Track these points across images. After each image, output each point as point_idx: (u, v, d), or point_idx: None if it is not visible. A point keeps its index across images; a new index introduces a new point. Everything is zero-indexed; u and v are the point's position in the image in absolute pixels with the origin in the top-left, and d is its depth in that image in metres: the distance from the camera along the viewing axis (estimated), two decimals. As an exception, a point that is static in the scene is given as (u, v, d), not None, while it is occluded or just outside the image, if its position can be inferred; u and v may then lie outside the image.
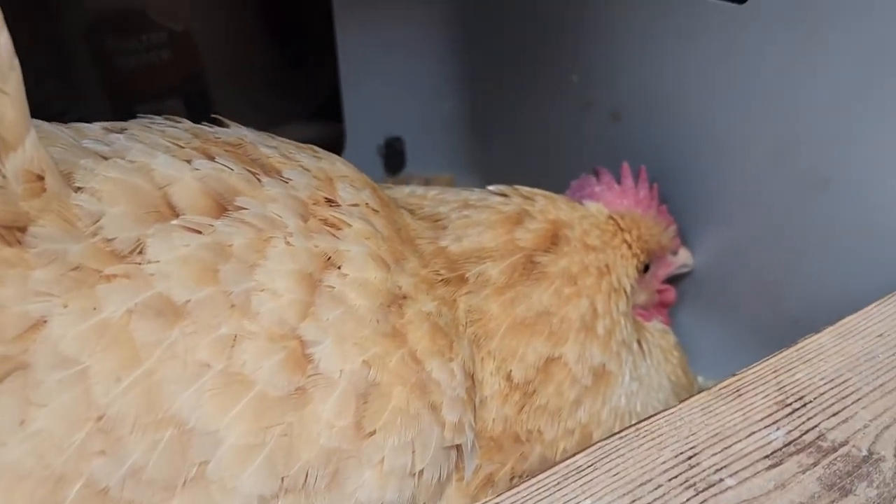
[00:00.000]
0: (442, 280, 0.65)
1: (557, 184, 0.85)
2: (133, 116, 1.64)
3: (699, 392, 0.56)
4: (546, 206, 0.74)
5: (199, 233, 0.52)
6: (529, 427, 0.66)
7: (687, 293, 0.90)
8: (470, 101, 1.15)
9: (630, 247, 0.77)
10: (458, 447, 0.59)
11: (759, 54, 0.73)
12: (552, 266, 0.69)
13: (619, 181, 0.82)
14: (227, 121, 0.69)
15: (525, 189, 0.76)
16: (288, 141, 0.70)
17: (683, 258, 0.88)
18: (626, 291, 0.75)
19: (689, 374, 0.85)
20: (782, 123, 0.74)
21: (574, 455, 0.51)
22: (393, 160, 1.26)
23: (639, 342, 0.77)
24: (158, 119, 0.66)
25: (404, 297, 0.60)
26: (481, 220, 0.70)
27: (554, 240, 0.71)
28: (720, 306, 0.88)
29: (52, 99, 1.79)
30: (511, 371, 0.65)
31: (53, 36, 1.58)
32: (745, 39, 0.74)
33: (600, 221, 0.77)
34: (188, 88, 1.54)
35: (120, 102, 1.54)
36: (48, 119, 1.74)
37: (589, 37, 0.90)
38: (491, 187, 0.76)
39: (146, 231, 0.50)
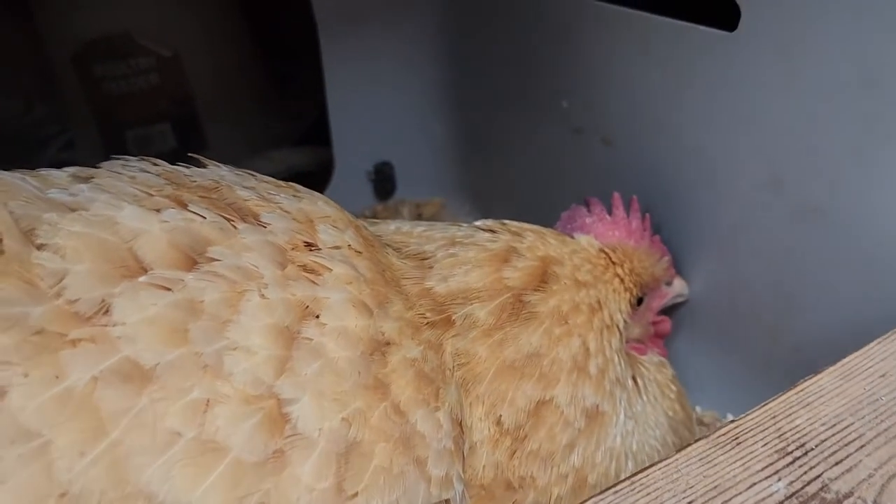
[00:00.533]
0: (428, 323, 0.63)
1: (549, 209, 0.84)
2: (122, 140, 1.63)
3: (697, 439, 0.54)
4: (535, 242, 0.71)
5: (168, 290, 0.49)
6: (521, 473, 0.63)
7: (683, 322, 0.88)
8: (460, 126, 1.13)
9: (622, 281, 0.75)
10: (447, 502, 0.57)
11: (750, 81, 0.71)
12: (542, 305, 0.67)
13: (610, 212, 0.80)
14: (204, 160, 0.66)
15: (514, 224, 0.73)
16: (268, 179, 0.68)
17: (678, 288, 0.85)
18: (619, 327, 0.73)
19: (688, 406, 0.83)
20: (774, 150, 0.72)
21: (566, 513, 0.49)
22: (383, 185, 1.24)
23: (634, 378, 0.75)
24: (133, 161, 0.64)
25: (388, 344, 0.58)
26: (468, 258, 0.68)
27: (543, 278, 0.69)
28: (717, 335, 0.86)
29: (43, 123, 1.78)
30: (501, 416, 0.63)
31: (42, 61, 1.56)
32: (735, 66, 0.72)
33: (591, 255, 0.74)
34: (177, 112, 1.52)
35: (109, 126, 1.52)
36: (38, 143, 1.72)
37: (579, 62, 0.88)
38: (479, 223, 0.74)
39: (112, 290, 0.47)
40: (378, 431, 0.53)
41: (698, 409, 0.89)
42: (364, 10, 1.08)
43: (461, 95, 1.10)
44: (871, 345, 0.60)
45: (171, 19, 1.46)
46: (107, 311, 0.46)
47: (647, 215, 0.81)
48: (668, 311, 0.87)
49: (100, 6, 1.41)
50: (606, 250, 0.76)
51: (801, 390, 0.56)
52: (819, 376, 0.57)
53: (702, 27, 0.73)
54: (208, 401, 0.47)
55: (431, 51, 1.10)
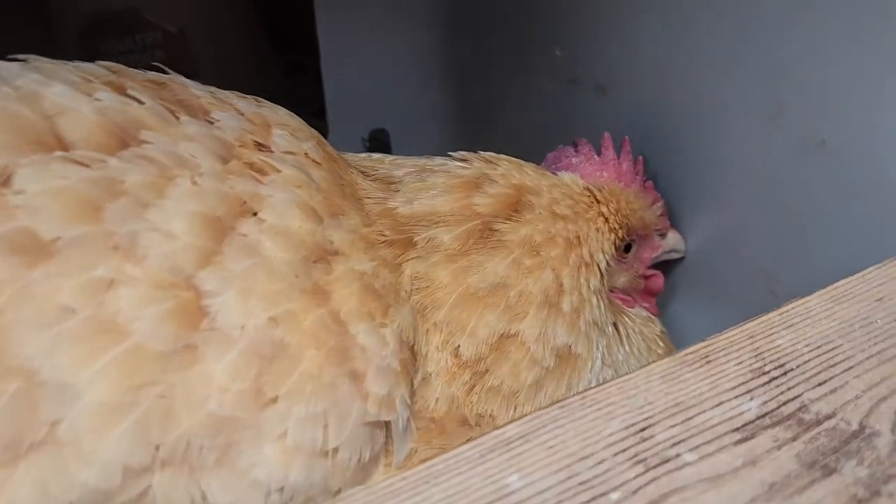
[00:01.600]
0: (386, 241, 0.58)
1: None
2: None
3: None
4: (510, 170, 0.66)
5: (87, 166, 0.45)
6: (480, 410, 0.58)
7: (679, 280, 0.82)
8: (456, 89, 1.09)
9: (607, 220, 0.70)
10: (387, 425, 0.52)
11: (748, 12, 0.66)
12: (512, 234, 0.62)
13: (599, 152, 0.75)
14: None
15: (489, 154, 0.69)
16: (235, 93, 0.64)
17: (673, 242, 0.79)
18: (599, 267, 0.67)
19: (680, 367, 0.77)
20: (774, 84, 0.66)
21: (504, 426, 0.43)
22: (378, 152, 1.19)
23: (615, 326, 0.69)
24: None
25: (335, 254, 0.53)
26: (437, 183, 0.64)
27: (517, 206, 0.64)
28: (714, 294, 0.80)
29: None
30: (459, 346, 0.58)
31: (49, 37, 1.56)
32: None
33: (573, 191, 0.69)
34: (182, 90, 1.50)
35: (114, 105, 1.51)
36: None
37: (570, 8, 0.83)
38: (453, 153, 0.69)
39: (18, 160, 0.44)
40: (310, 336, 0.48)
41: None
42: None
43: (456, 58, 1.06)
44: (870, 269, 0.54)
45: (179, -5, 1.45)
46: (7, 181, 0.43)
47: (641, 158, 0.76)
48: (664, 269, 0.81)
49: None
50: (591, 188, 0.71)
51: (786, 311, 0.50)
52: (807, 298, 0.51)
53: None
54: (112, 280, 0.43)
55: (425, 13, 1.07)
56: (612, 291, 0.74)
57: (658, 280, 0.79)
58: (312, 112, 1.24)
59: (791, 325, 0.49)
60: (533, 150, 0.97)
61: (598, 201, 0.70)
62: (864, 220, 0.63)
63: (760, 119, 0.68)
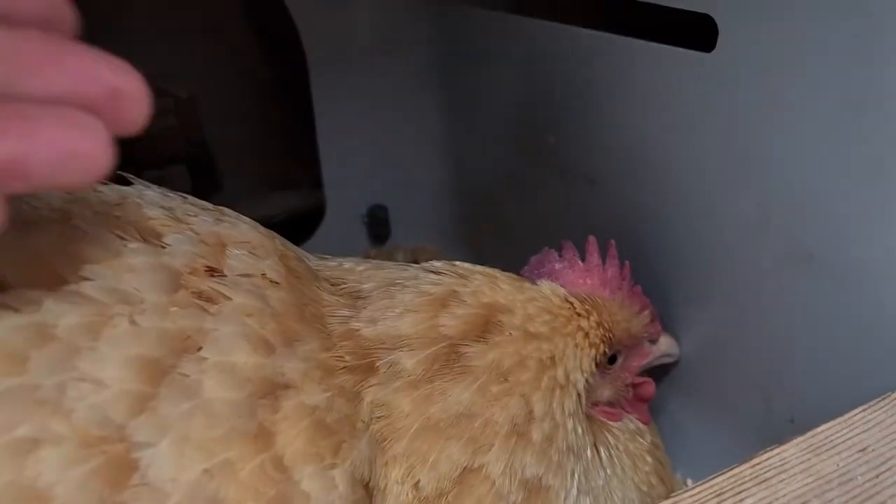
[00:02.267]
0: (345, 367, 0.56)
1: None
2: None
3: None
4: (481, 286, 0.64)
5: (17, 311, 0.44)
6: None
7: (672, 385, 0.78)
8: (455, 169, 1.08)
9: (587, 335, 0.66)
10: None
11: (731, 110, 0.63)
12: (479, 359, 0.59)
13: (583, 258, 0.72)
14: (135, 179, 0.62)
15: (465, 266, 0.66)
16: (199, 202, 0.63)
17: (665, 347, 0.75)
18: (577, 388, 0.64)
19: (671, 479, 0.73)
20: (761, 194, 0.64)
21: None
22: (377, 229, 1.18)
23: (595, 447, 0.66)
24: None
25: (286, 387, 0.51)
26: (403, 300, 0.61)
27: (486, 327, 0.61)
28: (708, 400, 0.76)
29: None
30: (420, 481, 0.55)
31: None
32: (715, 93, 0.64)
33: (552, 305, 0.66)
34: (192, 154, 1.51)
35: (127, 168, 1.51)
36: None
37: (562, 96, 0.82)
38: (429, 263, 0.67)
39: None
40: (248, 488, 0.46)
41: (689, 481, 0.79)
42: (355, 51, 1.05)
43: (455, 138, 1.05)
44: (854, 412, 0.50)
45: (189, 63, 1.46)
46: None
47: (627, 263, 0.72)
48: (657, 372, 0.78)
49: (121, 49, 1.41)
50: (572, 300, 0.68)
51: (759, 464, 0.47)
52: (783, 447, 0.48)
53: (679, 49, 0.66)
54: (36, 440, 0.41)
55: (425, 93, 1.06)
56: (595, 405, 0.71)
57: (649, 387, 0.75)
58: (313, 182, 1.24)
59: (764, 481, 0.45)
60: (527, 234, 0.95)
61: (578, 314, 0.67)
62: (856, 336, 0.60)
63: (749, 228, 0.65)
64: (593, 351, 0.66)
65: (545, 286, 0.68)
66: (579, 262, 0.71)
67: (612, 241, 0.72)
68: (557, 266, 0.71)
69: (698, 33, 0.64)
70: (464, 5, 0.96)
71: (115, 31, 1.42)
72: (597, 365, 0.67)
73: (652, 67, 0.69)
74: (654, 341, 0.75)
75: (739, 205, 0.65)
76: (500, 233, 1.02)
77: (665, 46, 0.67)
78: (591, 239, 0.72)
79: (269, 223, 1.48)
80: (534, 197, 0.90)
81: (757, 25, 0.60)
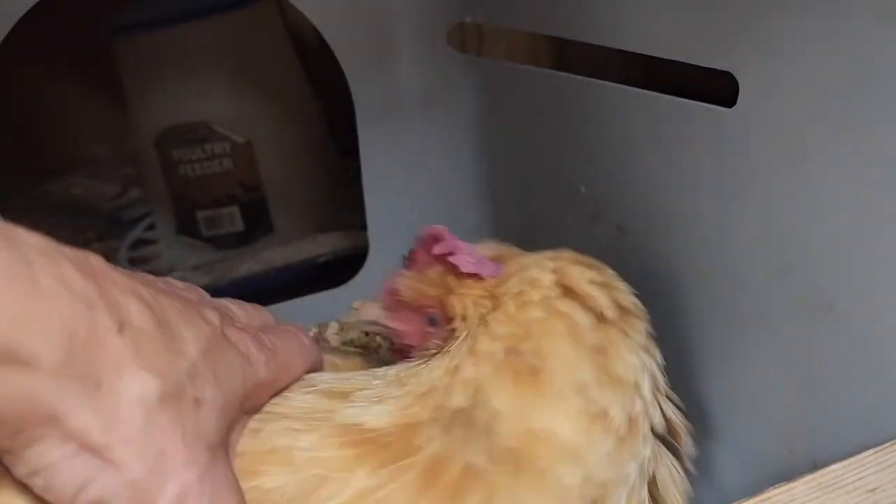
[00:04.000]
0: None
1: None
2: (194, 221, 1.69)
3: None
4: None
5: None
6: None
7: (697, 429, 0.80)
8: (490, 212, 1.12)
9: None
10: None
11: (754, 162, 0.66)
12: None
13: None
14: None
15: None
16: None
17: None
18: None
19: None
20: (781, 242, 0.66)
21: None
22: (418, 270, 1.22)
23: None
24: None
25: None
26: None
27: None
28: (732, 444, 0.77)
29: (133, 205, 1.90)
30: None
31: (133, 148, 1.68)
32: (737, 146, 0.67)
33: None
34: (245, 196, 1.58)
35: (183, 209, 1.60)
36: (128, 223, 1.80)
37: (594, 147, 0.86)
38: None
39: None
40: None
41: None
42: (401, 102, 1.10)
43: (493, 184, 1.09)
44: (866, 453, 0.52)
45: (246, 109, 1.54)
46: None
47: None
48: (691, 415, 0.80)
49: (181, 96, 1.50)
50: None
51: (767, 499, 0.49)
52: (792, 484, 0.50)
53: (700, 103, 0.69)
54: None
55: (465, 141, 1.11)
56: None
57: None
58: (358, 224, 1.29)
59: (770, 517, 0.47)
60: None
61: None
62: (876, 385, 0.61)
63: (770, 276, 0.67)
64: None
65: None
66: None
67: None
68: None
69: (720, 90, 0.67)
70: (507, 61, 1.01)
71: (180, 76, 1.52)
72: None
73: (677, 121, 0.73)
74: None
75: (760, 253, 0.68)
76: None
77: (690, 101, 0.71)
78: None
79: (315, 262, 1.53)
80: (566, 241, 0.93)
81: (777, 82, 0.63)
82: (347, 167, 1.73)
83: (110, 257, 1.81)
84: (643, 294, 0.73)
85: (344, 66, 1.08)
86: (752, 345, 0.72)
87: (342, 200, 1.67)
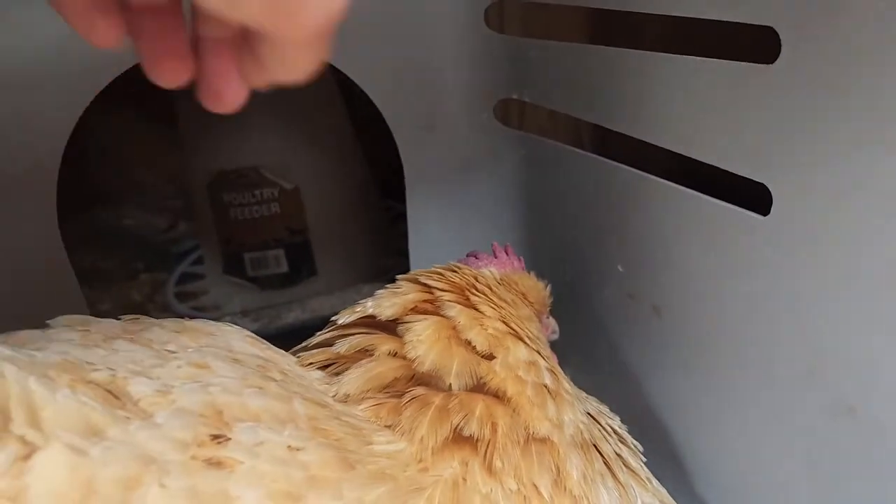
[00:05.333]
0: None
1: (602, 372, 0.82)
2: (241, 261, 1.74)
3: None
4: None
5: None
6: None
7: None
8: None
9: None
10: None
11: (782, 267, 0.70)
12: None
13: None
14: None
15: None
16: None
17: (554, 324, 0.90)
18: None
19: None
20: (808, 344, 0.69)
21: None
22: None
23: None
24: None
25: None
26: None
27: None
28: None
29: (182, 239, 1.97)
30: None
31: (185, 185, 1.75)
32: (769, 253, 0.71)
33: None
34: (291, 240, 1.65)
35: (231, 248, 1.67)
36: (176, 256, 1.89)
37: (632, 231, 0.90)
38: None
39: None
40: None
41: None
42: (448, 165, 1.16)
43: (533, 252, 1.14)
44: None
45: (295, 156, 1.60)
46: None
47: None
48: None
49: (233, 143, 1.57)
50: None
51: None
52: None
53: (736, 208, 0.73)
54: None
55: (508, 207, 1.16)
56: None
57: None
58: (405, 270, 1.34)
59: None
60: (594, 351, 1.02)
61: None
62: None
63: (795, 377, 0.71)
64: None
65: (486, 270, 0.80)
66: (494, 258, 0.85)
67: (508, 244, 0.86)
68: (480, 263, 0.84)
69: (756, 198, 0.71)
70: (550, 138, 1.06)
71: (233, 123, 1.59)
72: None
73: (713, 221, 0.77)
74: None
75: (787, 354, 0.71)
76: (568, 346, 1.09)
77: (726, 205, 0.75)
78: (495, 244, 0.86)
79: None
80: (602, 315, 0.98)
81: (808, 195, 0.66)
82: (388, 207, 1.79)
83: (158, 290, 1.87)
84: (675, 374, 0.77)
85: (394, 132, 1.13)
86: (775, 443, 0.75)
87: (384, 244, 1.72)
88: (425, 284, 0.71)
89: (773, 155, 0.68)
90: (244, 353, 0.62)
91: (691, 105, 0.77)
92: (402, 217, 1.23)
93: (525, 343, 0.67)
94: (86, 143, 1.88)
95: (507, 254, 0.86)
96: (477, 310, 0.68)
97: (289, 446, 0.51)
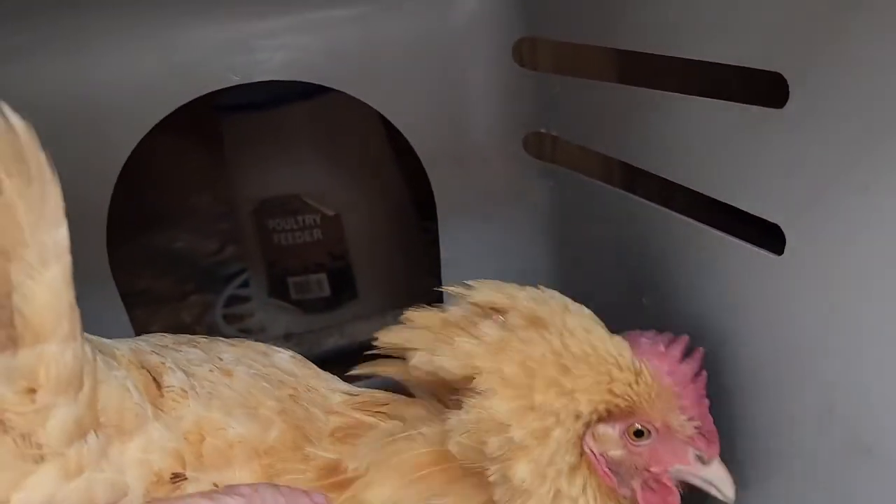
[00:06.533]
0: None
1: None
2: (285, 285, 1.79)
3: None
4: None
5: None
6: None
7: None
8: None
9: (612, 380, 0.74)
10: None
11: (799, 308, 0.71)
12: None
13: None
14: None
15: None
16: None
17: (714, 475, 0.75)
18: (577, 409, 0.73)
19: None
20: (824, 385, 0.70)
21: None
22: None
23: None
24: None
25: None
26: None
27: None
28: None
29: (229, 262, 2.04)
30: None
31: (233, 210, 1.81)
32: (784, 291, 0.72)
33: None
34: (333, 265, 1.69)
35: (275, 272, 1.72)
36: (223, 279, 1.95)
37: (656, 264, 0.91)
38: None
39: None
40: None
41: None
42: (482, 197, 1.18)
43: (561, 282, 1.15)
44: None
45: (336, 183, 1.64)
46: None
47: (704, 374, 0.76)
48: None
49: (277, 171, 1.63)
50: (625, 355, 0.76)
51: None
52: None
53: (753, 247, 0.74)
54: None
55: (538, 239, 1.18)
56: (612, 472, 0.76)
57: (665, 495, 0.76)
58: (436, 299, 1.37)
59: None
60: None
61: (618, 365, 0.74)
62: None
63: (813, 417, 0.71)
64: (609, 396, 0.73)
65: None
66: (662, 346, 0.76)
67: (701, 349, 0.77)
68: (643, 339, 0.77)
69: (771, 236, 0.72)
70: (579, 171, 1.08)
71: (278, 153, 1.64)
72: (609, 413, 0.73)
73: (732, 259, 0.78)
74: (702, 460, 0.76)
75: (805, 393, 0.72)
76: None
77: (744, 244, 0.76)
78: (685, 338, 0.77)
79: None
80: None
81: (821, 235, 0.67)
82: (426, 229, 1.82)
83: (207, 311, 1.92)
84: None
85: (425, 164, 1.16)
86: (793, 482, 0.76)
87: (422, 266, 1.76)
88: None
89: (785, 196, 0.69)
90: (278, 369, 0.79)
91: (709, 145, 0.78)
92: (438, 251, 1.26)
93: None
94: (141, 170, 1.97)
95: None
96: None
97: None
